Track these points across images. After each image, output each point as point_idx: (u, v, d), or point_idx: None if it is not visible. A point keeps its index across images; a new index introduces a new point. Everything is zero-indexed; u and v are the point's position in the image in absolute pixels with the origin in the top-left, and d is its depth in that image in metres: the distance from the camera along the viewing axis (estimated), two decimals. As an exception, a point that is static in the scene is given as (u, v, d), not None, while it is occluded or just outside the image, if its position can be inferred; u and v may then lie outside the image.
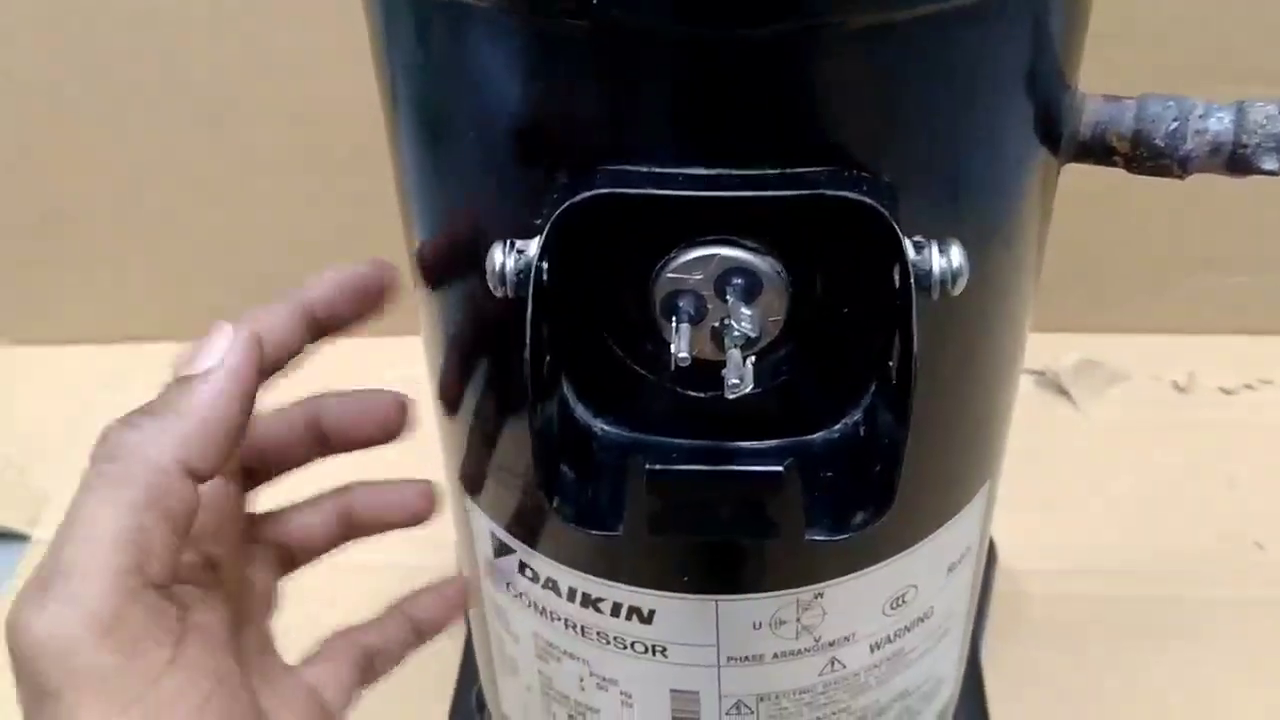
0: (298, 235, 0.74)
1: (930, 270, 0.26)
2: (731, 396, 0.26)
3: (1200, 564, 0.63)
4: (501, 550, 0.37)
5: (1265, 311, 0.74)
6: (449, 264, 0.32)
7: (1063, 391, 0.72)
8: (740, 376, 0.27)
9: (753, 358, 0.28)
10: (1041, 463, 0.66)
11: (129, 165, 0.72)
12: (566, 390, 0.31)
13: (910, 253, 0.26)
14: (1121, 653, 0.59)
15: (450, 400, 0.36)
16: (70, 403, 0.75)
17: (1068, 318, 0.73)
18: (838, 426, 0.30)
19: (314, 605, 0.62)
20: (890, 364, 0.28)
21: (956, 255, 0.26)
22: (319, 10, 0.63)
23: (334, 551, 0.63)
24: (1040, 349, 0.72)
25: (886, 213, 0.25)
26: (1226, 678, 0.58)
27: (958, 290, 0.26)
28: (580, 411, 0.31)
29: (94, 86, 0.69)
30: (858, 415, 0.29)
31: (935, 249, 0.26)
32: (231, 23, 0.66)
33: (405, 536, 0.63)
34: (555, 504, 0.30)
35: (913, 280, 0.26)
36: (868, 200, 0.25)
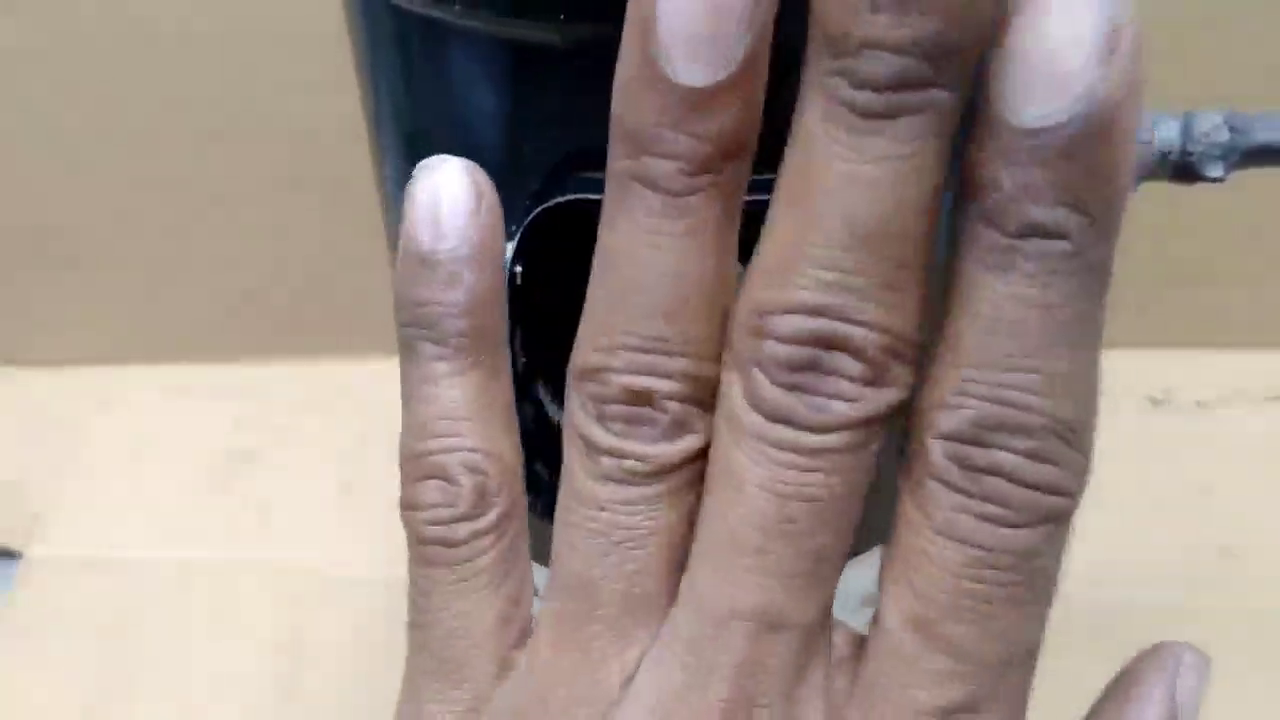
0: (291, 257, 0.74)
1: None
2: None
3: (1175, 575, 0.64)
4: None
5: (1242, 325, 0.75)
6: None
7: (1041, 405, 0.72)
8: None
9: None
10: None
11: (122, 186, 0.72)
12: (542, 393, 0.32)
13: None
14: (1096, 661, 0.59)
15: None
16: (65, 422, 0.76)
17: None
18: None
19: (299, 621, 0.63)
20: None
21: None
22: (312, 30, 0.64)
23: (318, 563, 0.64)
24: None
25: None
26: (1200, 685, 0.59)
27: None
28: (555, 413, 0.32)
29: (86, 109, 0.69)
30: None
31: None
32: (224, 43, 0.66)
33: (390, 551, 0.64)
34: (529, 502, 0.30)
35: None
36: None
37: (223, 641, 0.63)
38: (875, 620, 0.18)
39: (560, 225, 0.27)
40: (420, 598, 0.21)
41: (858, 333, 0.16)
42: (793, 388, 0.17)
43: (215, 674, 0.61)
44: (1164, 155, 0.31)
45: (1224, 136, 0.32)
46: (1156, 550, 0.65)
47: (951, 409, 0.17)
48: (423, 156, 0.31)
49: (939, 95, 0.15)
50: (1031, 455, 0.17)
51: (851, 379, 0.17)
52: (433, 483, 0.21)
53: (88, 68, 0.68)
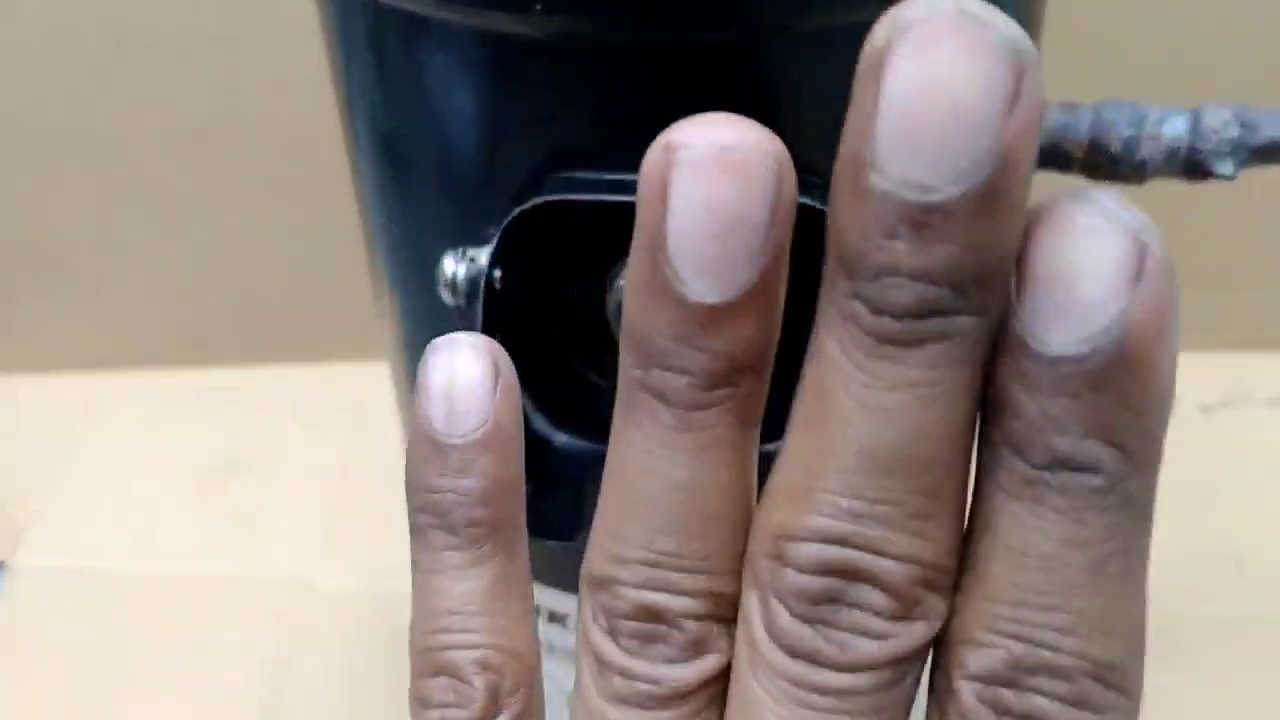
0: (278, 263, 0.74)
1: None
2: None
3: (1180, 581, 0.63)
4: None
5: (1244, 328, 0.74)
6: (405, 275, 0.32)
7: (1043, 410, 0.72)
8: None
9: None
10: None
11: (108, 192, 0.72)
12: (524, 401, 0.30)
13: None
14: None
15: (408, 412, 0.36)
16: (50, 431, 0.75)
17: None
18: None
19: (285, 635, 0.62)
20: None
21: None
22: (302, 34, 0.63)
23: (305, 576, 0.63)
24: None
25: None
26: (1203, 693, 0.58)
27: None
28: (538, 422, 0.31)
29: (71, 115, 0.69)
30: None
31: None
32: (210, 50, 0.66)
33: (379, 563, 0.64)
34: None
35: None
36: (818, 205, 0.25)
37: (208, 654, 0.62)
38: None
39: (540, 227, 0.26)
40: None
41: (882, 564, 0.15)
42: (814, 621, 0.16)
43: (200, 687, 0.60)
44: (1173, 152, 0.30)
45: (1234, 133, 0.31)
46: (1164, 558, 0.64)
47: (982, 647, 0.16)
48: (399, 158, 0.30)
49: (964, 322, 0.15)
50: (1069, 700, 0.15)
51: (878, 613, 0.16)
52: (443, 679, 0.20)
53: (73, 74, 0.67)
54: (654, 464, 0.17)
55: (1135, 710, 0.16)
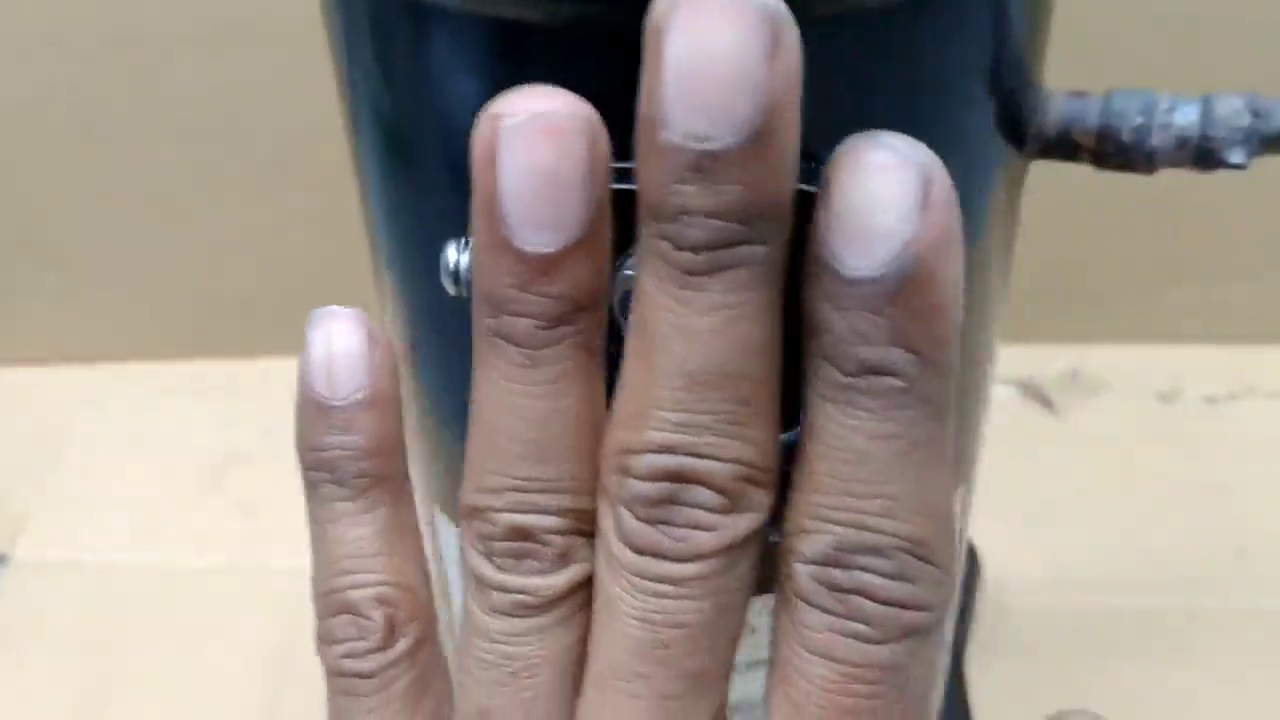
0: (277, 255, 0.74)
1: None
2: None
3: (1185, 574, 0.63)
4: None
5: (1250, 321, 0.74)
6: (407, 264, 0.32)
7: (1047, 401, 0.72)
8: None
9: None
10: (1025, 473, 0.66)
11: (107, 184, 0.72)
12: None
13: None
14: (1106, 662, 0.59)
15: (413, 407, 0.36)
16: (49, 424, 0.75)
17: (1052, 328, 0.73)
18: (799, 427, 0.29)
19: (286, 627, 0.62)
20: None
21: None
22: (300, 26, 0.63)
23: (307, 568, 0.62)
24: (1024, 359, 0.73)
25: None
26: (1211, 686, 0.58)
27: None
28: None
29: (69, 107, 0.69)
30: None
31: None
32: (211, 41, 0.66)
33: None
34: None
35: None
36: (814, 190, 0.25)
37: (208, 647, 0.61)
38: (765, 712, 0.20)
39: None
40: None
41: (709, 465, 0.18)
42: (656, 521, 0.18)
43: (200, 680, 0.60)
44: (1184, 141, 0.30)
45: (1245, 121, 0.30)
46: (1171, 551, 0.64)
47: (812, 534, 0.18)
48: (401, 146, 0.29)
49: (755, 250, 0.17)
50: (889, 574, 0.18)
51: (708, 509, 0.18)
52: (344, 618, 0.22)
53: (72, 66, 0.67)
54: (509, 400, 0.19)
55: (947, 579, 0.19)
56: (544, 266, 0.18)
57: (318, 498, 0.23)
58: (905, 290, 0.17)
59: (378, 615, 0.22)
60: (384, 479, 0.22)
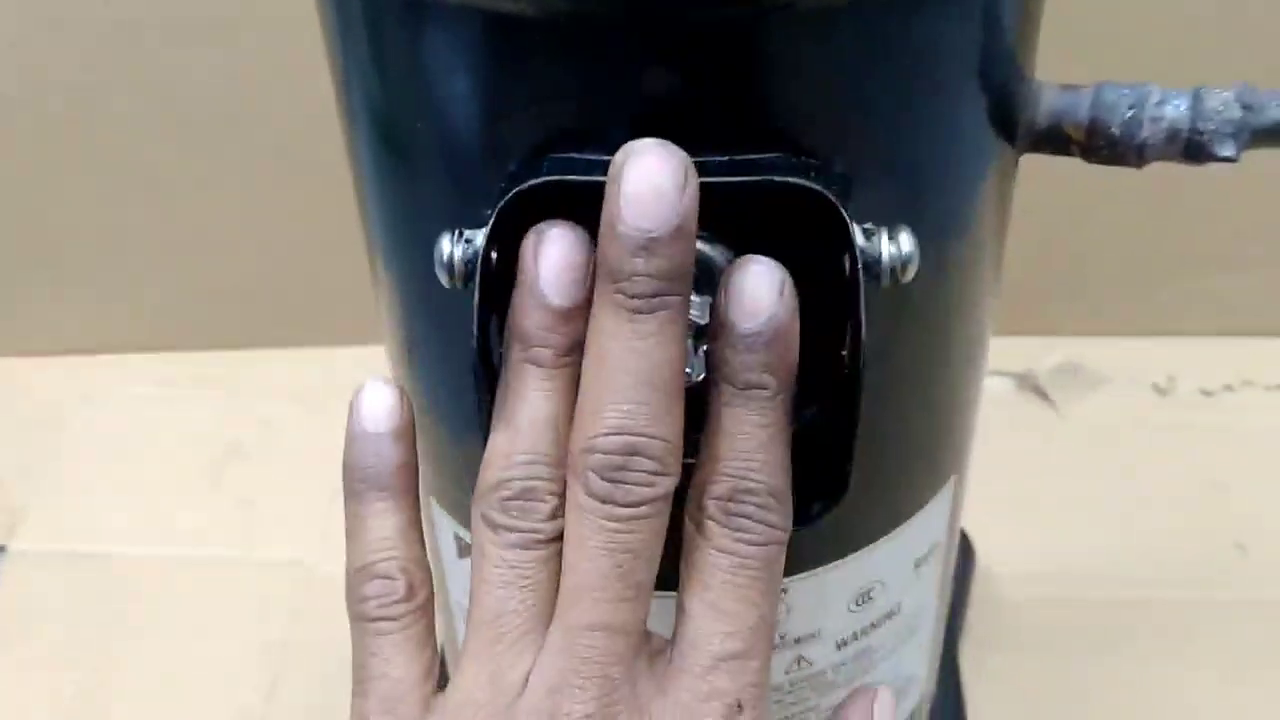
0: (277, 248, 0.74)
1: (880, 257, 0.26)
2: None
3: (1182, 566, 0.63)
4: (465, 551, 0.37)
5: (1246, 313, 0.74)
6: (403, 260, 0.32)
7: (1043, 394, 0.72)
8: (690, 366, 0.27)
9: (704, 347, 0.28)
10: (1022, 465, 0.66)
11: (107, 177, 0.72)
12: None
13: (859, 239, 0.26)
14: (1103, 656, 0.59)
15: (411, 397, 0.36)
16: (48, 415, 0.75)
17: (1048, 320, 0.73)
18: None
19: (284, 619, 0.62)
20: (843, 353, 0.28)
21: (906, 242, 0.26)
22: (298, 20, 0.63)
23: (305, 559, 0.63)
24: (1021, 351, 0.73)
25: (834, 199, 0.25)
26: (1208, 680, 0.58)
27: (908, 277, 0.26)
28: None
29: (69, 101, 0.69)
30: (813, 405, 0.29)
31: (885, 236, 0.26)
32: (210, 34, 0.66)
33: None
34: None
35: (861, 267, 0.26)
36: (815, 186, 0.25)
37: (207, 637, 0.62)
38: (679, 608, 0.28)
39: (536, 207, 0.26)
40: (369, 659, 0.30)
41: (646, 442, 0.27)
42: (612, 480, 0.27)
43: (199, 671, 0.60)
44: (1174, 134, 0.30)
45: (1236, 114, 0.30)
46: (1167, 543, 0.64)
47: (717, 483, 0.28)
48: (395, 140, 0.30)
49: (674, 299, 0.26)
50: (759, 506, 0.28)
51: (647, 472, 0.27)
52: (377, 582, 0.30)
53: (72, 60, 0.67)
54: (533, 401, 0.28)
55: (789, 511, 0.28)
56: (563, 316, 0.27)
57: (358, 498, 0.31)
58: (770, 340, 0.27)
59: (401, 579, 0.30)
60: (405, 489, 0.31)
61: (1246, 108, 0.30)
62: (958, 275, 0.31)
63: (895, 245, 0.26)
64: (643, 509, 0.27)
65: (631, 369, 0.26)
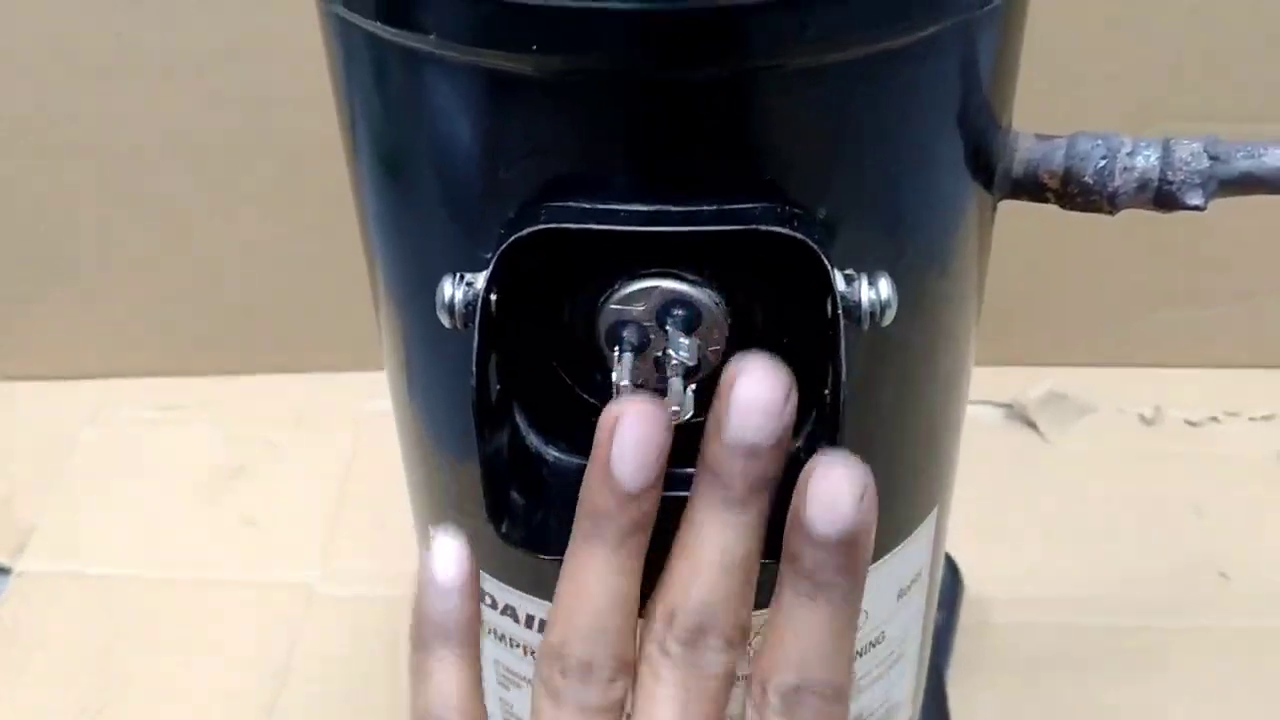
0: (280, 272, 0.75)
1: (859, 302, 0.27)
2: (673, 424, 0.28)
3: (1166, 594, 0.64)
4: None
5: (1231, 345, 0.75)
6: (406, 297, 0.33)
7: (1031, 424, 0.73)
8: (680, 404, 0.28)
9: (694, 386, 0.29)
10: (1009, 494, 0.67)
11: (111, 201, 0.73)
12: (519, 418, 0.32)
13: (840, 285, 0.27)
14: (1088, 682, 0.60)
15: (408, 428, 0.37)
16: (55, 437, 0.76)
17: (1036, 351, 0.74)
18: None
19: (285, 639, 0.63)
20: (825, 391, 0.29)
21: (885, 288, 0.27)
22: (305, 48, 0.64)
23: (307, 581, 0.64)
24: (1008, 382, 0.74)
25: (816, 247, 0.27)
26: (1191, 708, 0.59)
27: (886, 321, 0.27)
28: (532, 439, 0.32)
29: (76, 124, 0.70)
30: (799, 442, 0.30)
31: (864, 281, 0.27)
32: (217, 62, 0.67)
33: (378, 569, 0.65)
34: (504, 529, 0.31)
35: (841, 311, 0.27)
36: (798, 235, 0.27)
37: (209, 658, 0.63)
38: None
39: (535, 252, 0.27)
40: None
41: (721, 621, 0.29)
42: (689, 647, 0.29)
43: (202, 692, 0.61)
44: (1145, 183, 0.31)
45: (1204, 164, 0.32)
46: (1150, 572, 0.65)
47: (781, 673, 0.29)
48: (399, 185, 0.31)
49: (763, 495, 0.29)
50: (824, 698, 0.29)
51: (719, 646, 0.29)
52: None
53: (79, 84, 0.68)
54: (597, 575, 0.29)
55: (847, 709, 0.30)
56: (632, 497, 0.28)
57: (427, 648, 0.32)
58: (845, 544, 0.28)
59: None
60: (470, 642, 0.32)
61: (1214, 158, 0.32)
62: (937, 316, 0.33)
63: (875, 291, 0.27)
64: (711, 678, 0.29)
65: (717, 554, 0.29)
